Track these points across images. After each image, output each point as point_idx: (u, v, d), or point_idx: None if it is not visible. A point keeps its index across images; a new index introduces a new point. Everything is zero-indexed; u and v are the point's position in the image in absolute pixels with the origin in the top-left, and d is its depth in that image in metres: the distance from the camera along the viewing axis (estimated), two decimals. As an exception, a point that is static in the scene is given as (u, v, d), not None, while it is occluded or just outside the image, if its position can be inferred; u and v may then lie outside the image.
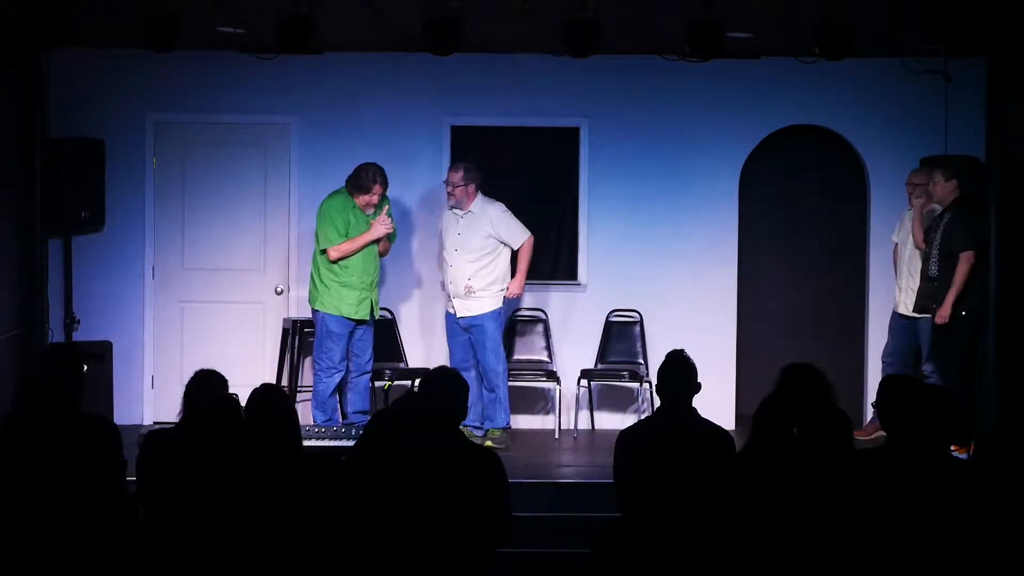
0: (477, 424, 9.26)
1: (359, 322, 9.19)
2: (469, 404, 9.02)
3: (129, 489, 5.98)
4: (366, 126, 10.14)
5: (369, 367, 9.33)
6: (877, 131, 10.14)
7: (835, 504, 5.30)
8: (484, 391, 9.28)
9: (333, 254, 9.07)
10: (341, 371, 9.17)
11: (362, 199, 9.12)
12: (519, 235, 9.30)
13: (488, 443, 8.96)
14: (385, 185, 9.16)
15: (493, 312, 9.25)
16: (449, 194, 9.35)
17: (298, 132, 10.18)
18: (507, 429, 9.29)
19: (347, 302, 9.10)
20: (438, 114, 10.17)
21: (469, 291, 9.21)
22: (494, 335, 9.25)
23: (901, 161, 9.82)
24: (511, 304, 9.57)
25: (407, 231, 10.12)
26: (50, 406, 5.80)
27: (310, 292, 9.26)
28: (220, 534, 5.18)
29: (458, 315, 9.30)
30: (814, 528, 5.34)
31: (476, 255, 9.24)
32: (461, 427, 9.04)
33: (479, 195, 9.30)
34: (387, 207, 9.23)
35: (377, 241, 9.20)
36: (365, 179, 9.09)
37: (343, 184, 9.22)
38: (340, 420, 9.25)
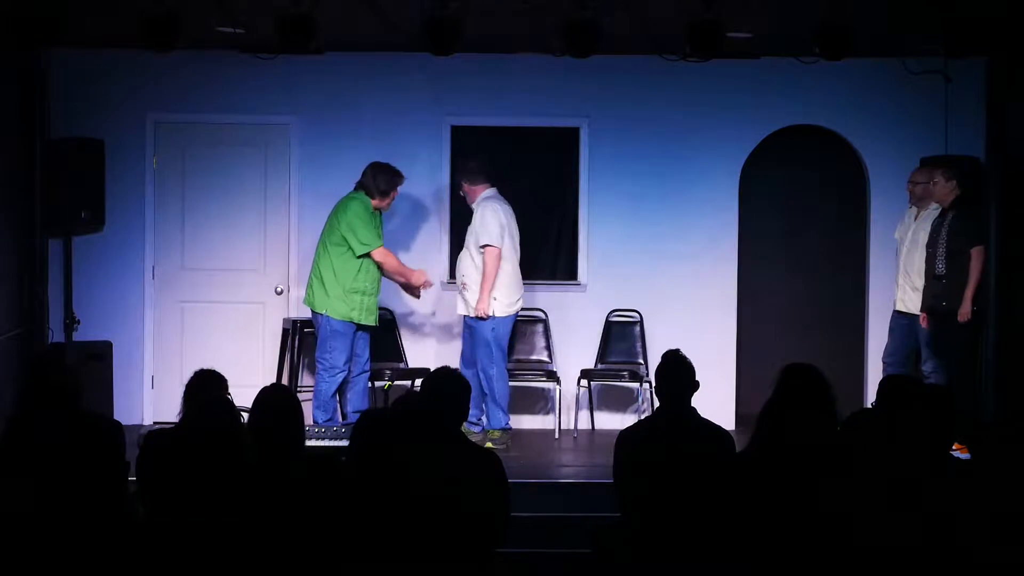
0: (475, 421, 9.28)
1: (362, 326, 9.24)
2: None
3: (129, 489, 5.98)
4: (366, 126, 10.14)
5: (368, 367, 9.36)
6: (877, 131, 10.14)
7: (833, 504, 5.31)
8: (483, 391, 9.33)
9: (378, 256, 9.12)
10: (345, 372, 9.18)
11: (387, 200, 9.21)
12: (482, 237, 9.18)
13: (488, 444, 8.98)
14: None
15: (488, 318, 9.21)
16: (462, 196, 9.46)
17: (298, 132, 10.18)
18: (507, 429, 9.30)
19: (356, 308, 9.10)
20: (438, 114, 10.17)
21: (464, 287, 9.23)
22: (485, 338, 9.22)
23: (901, 161, 9.83)
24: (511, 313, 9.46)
25: (407, 230, 10.12)
26: (55, 405, 5.80)
27: (313, 295, 9.16)
28: (220, 534, 5.18)
29: (458, 311, 9.36)
30: (813, 529, 5.34)
31: (475, 250, 9.25)
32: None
33: (484, 191, 9.29)
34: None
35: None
36: (386, 177, 9.16)
37: (352, 186, 9.24)
38: (340, 420, 9.26)
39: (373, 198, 9.16)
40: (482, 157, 9.51)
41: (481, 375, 9.22)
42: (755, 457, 5.63)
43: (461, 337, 9.52)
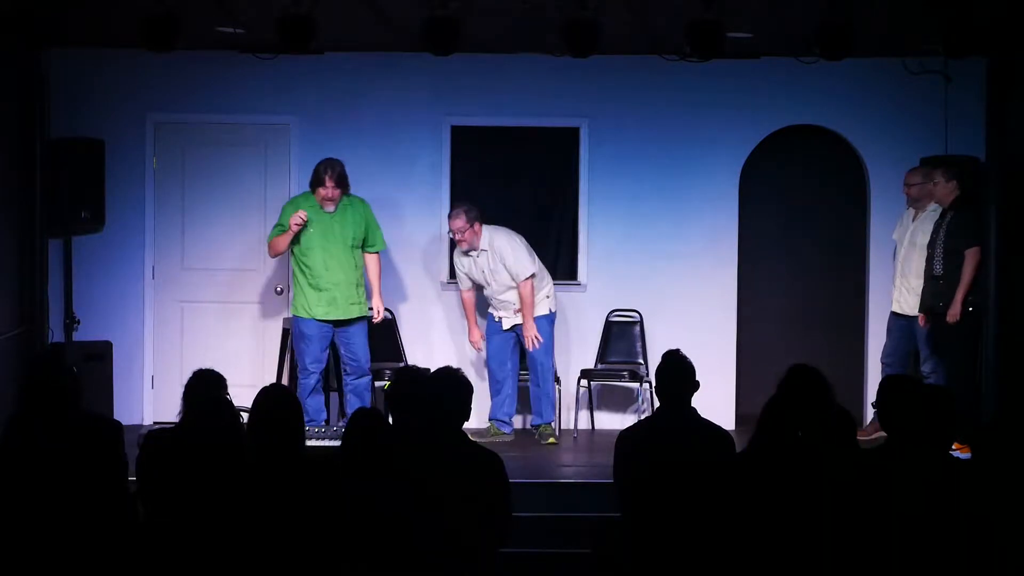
0: (507, 420, 9.51)
1: (339, 324, 9.17)
2: (504, 399, 9.36)
3: (129, 489, 5.98)
4: (366, 126, 10.14)
5: (366, 367, 9.31)
6: (877, 131, 10.14)
7: (833, 505, 5.31)
8: (531, 386, 9.49)
9: (269, 248, 9.27)
10: (314, 372, 9.16)
11: (319, 193, 9.09)
12: (520, 271, 9.37)
13: (551, 440, 9.39)
14: (336, 178, 9.03)
15: (541, 317, 9.46)
16: (458, 241, 9.44)
17: (298, 132, 10.18)
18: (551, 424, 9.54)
19: (315, 303, 9.13)
20: (438, 114, 10.17)
21: (516, 311, 9.48)
22: (547, 333, 9.46)
23: (901, 161, 9.82)
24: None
25: (407, 230, 10.12)
26: (54, 406, 5.80)
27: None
28: (220, 534, 5.18)
29: (505, 327, 9.52)
30: (813, 529, 5.34)
31: (510, 279, 9.43)
32: (489, 422, 9.20)
33: (483, 227, 9.43)
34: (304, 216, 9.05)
35: (340, 241, 9.13)
36: (318, 172, 9.08)
37: (352, 187, 9.29)
38: (337, 421, 9.26)
39: (312, 189, 9.18)
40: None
41: (539, 369, 9.41)
42: (755, 457, 5.63)
43: (489, 340, 9.59)
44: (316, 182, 9.08)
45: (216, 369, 6.19)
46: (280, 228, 9.14)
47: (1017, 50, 8.70)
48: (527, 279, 9.35)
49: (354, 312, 9.22)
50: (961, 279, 8.92)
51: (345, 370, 9.32)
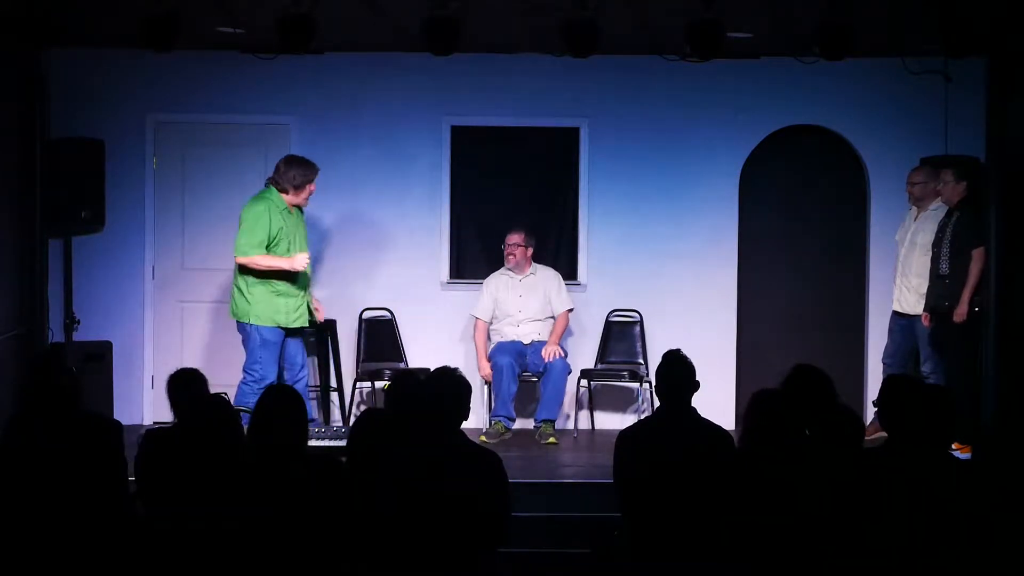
0: (512, 416, 9.53)
1: (292, 330, 8.89)
2: (509, 396, 9.37)
3: (129, 488, 5.98)
4: (366, 126, 10.14)
5: (304, 374, 8.95)
6: (877, 131, 10.14)
7: (833, 504, 5.31)
8: (542, 385, 9.57)
9: (240, 260, 8.72)
10: (272, 381, 8.72)
11: (304, 190, 8.77)
12: (568, 301, 9.73)
13: (551, 440, 9.37)
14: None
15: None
16: (507, 255, 9.66)
17: (298, 132, 10.17)
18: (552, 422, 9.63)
19: (282, 311, 8.75)
20: (438, 114, 10.17)
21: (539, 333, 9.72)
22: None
23: (901, 161, 9.82)
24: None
25: (406, 230, 10.11)
26: (54, 406, 5.81)
27: (236, 305, 8.85)
28: (220, 534, 5.18)
29: (524, 341, 9.71)
30: (813, 528, 5.34)
31: (539, 311, 9.68)
32: (493, 421, 9.20)
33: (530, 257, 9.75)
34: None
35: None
36: (309, 171, 8.75)
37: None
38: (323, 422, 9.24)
39: (286, 193, 8.79)
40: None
41: (556, 369, 9.50)
42: (753, 456, 5.63)
43: (511, 348, 9.65)
44: (306, 180, 8.76)
45: (194, 368, 6.24)
46: (261, 244, 8.68)
47: (1017, 50, 8.71)
48: (569, 310, 9.70)
49: (305, 320, 8.97)
50: (968, 279, 8.91)
51: (282, 375, 8.89)
